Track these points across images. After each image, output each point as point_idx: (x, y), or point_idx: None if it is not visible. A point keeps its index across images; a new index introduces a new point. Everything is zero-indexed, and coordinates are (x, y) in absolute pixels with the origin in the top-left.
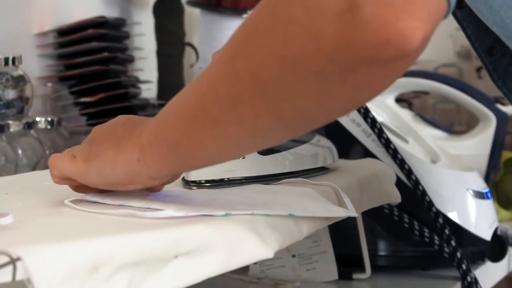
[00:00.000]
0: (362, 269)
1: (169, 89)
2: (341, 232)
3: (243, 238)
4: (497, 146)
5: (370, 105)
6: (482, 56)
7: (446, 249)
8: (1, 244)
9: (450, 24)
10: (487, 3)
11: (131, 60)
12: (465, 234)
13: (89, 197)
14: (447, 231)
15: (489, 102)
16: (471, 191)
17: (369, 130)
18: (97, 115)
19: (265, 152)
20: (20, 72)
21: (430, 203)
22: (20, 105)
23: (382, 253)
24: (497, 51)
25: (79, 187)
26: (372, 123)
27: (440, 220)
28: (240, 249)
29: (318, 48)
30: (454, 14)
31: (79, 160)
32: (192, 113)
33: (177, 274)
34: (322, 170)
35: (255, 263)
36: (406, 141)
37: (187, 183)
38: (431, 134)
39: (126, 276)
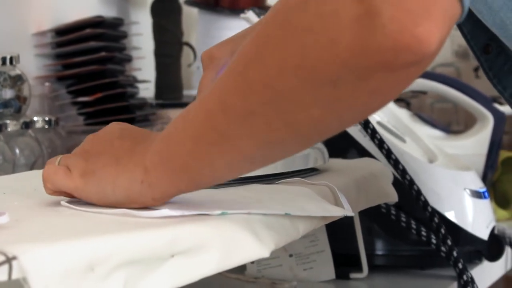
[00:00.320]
0: (359, 268)
1: (167, 89)
2: (338, 232)
3: (239, 237)
4: (495, 145)
5: None
6: (477, 54)
7: (443, 248)
8: None
9: None
10: (486, 4)
11: (129, 59)
12: (462, 234)
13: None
14: (443, 230)
15: (487, 102)
16: (468, 191)
17: None
18: (95, 115)
19: None
20: (17, 71)
21: (426, 203)
22: (17, 105)
23: (379, 252)
24: (493, 49)
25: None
26: (365, 123)
27: (436, 219)
28: (236, 249)
29: (334, 56)
30: None
31: (75, 175)
32: (199, 130)
33: (173, 273)
34: (312, 171)
35: (252, 263)
36: (403, 140)
37: None
38: (429, 134)
39: (123, 275)
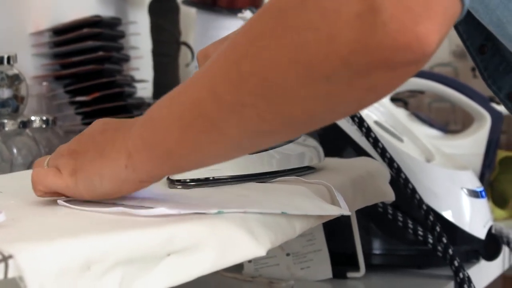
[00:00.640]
0: (356, 267)
1: (164, 88)
2: (335, 231)
3: (236, 236)
4: (492, 145)
5: None
6: (473, 54)
7: (439, 247)
8: None
9: None
10: (483, 3)
11: (126, 59)
12: (459, 233)
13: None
14: (438, 228)
15: (484, 101)
16: (465, 190)
17: None
18: (93, 114)
19: None
20: (15, 71)
21: (421, 201)
22: (15, 104)
23: (376, 251)
24: (488, 49)
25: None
26: (360, 122)
27: (431, 217)
28: (233, 247)
29: (332, 52)
30: None
31: (65, 174)
32: (187, 118)
33: (170, 272)
34: (308, 170)
35: (250, 262)
36: (401, 140)
37: (172, 182)
38: (426, 133)
39: (119, 274)
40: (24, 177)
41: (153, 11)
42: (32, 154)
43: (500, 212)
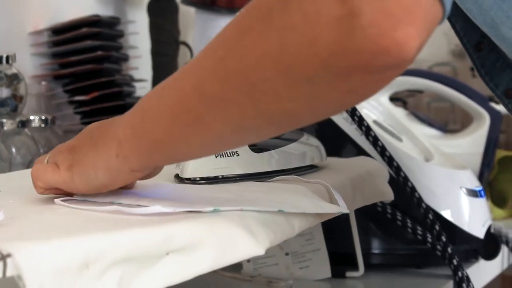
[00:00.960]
0: (355, 267)
1: None
2: (334, 230)
3: (235, 235)
4: (491, 144)
5: (363, 103)
6: (470, 52)
7: (439, 247)
8: None
9: (445, 23)
10: (477, 3)
11: (125, 58)
12: (458, 232)
13: (79, 197)
14: (437, 227)
15: (483, 101)
16: (464, 189)
17: None
18: (91, 114)
19: (258, 150)
20: (14, 70)
21: (420, 199)
22: (14, 104)
23: (375, 251)
24: (485, 46)
25: (68, 195)
26: (359, 121)
27: (430, 216)
28: (232, 246)
29: (313, 54)
30: None
31: (63, 169)
32: (174, 111)
33: (168, 271)
34: (310, 169)
35: (248, 261)
36: (400, 139)
37: (182, 181)
38: (425, 133)
39: (117, 273)
40: (23, 176)
41: (152, 10)
42: (31, 153)
43: (499, 212)
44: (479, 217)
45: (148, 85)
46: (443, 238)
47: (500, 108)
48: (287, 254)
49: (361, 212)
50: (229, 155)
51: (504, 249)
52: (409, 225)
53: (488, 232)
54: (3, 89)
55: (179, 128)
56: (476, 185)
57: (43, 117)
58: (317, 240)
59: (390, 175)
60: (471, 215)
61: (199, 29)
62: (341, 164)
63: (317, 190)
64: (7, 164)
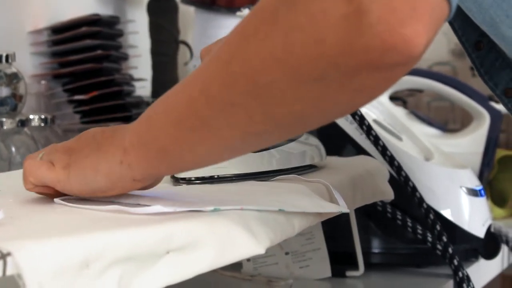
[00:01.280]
0: (355, 266)
1: (163, 87)
2: (334, 230)
3: (235, 234)
4: (491, 144)
5: None
6: (469, 51)
7: (439, 246)
8: None
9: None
10: (476, 2)
11: (125, 58)
12: (458, 232)
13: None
14: (438, 227)
15: (483, 100)
16: (464, 189)
17: None
18: (91, 113)
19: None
20: (13, 69)
21: (421, 199)
22: (13, 103)
23: (375, 250)
24: (484, 45)
25: (55, 195)
26: (360, 120)
27: (431, 216)
28: (232, 246)
29: (320, 54)
30: None
31: (58, 168)
32: (181, 116)
33: (168, 270)
34: (310, 168)
35: (248, 260)
36: (400, 138)
37: (177, 180)
38: (425, 132)
39: (117, 272)
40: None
41: (152, 10)
42: (30, 152)
43: (499, 211)
44: (479, 217)
45: (147, 84)
46: (444, 238)
47: (500, 107)
48: (287, 253)
49: (361, 212)
50: None
51: (504, 249)
52: (409, 224)
53: (488, 232)
54: (3, 88)
55: (185, 135)
56: (476, 184)
57: (42, 116)
58: (317, 240)
59: (391, 174)
60: (471, 214)
61: (199, 29)
62: (341, 163)
63: (317, 189)
64: (7, 163)
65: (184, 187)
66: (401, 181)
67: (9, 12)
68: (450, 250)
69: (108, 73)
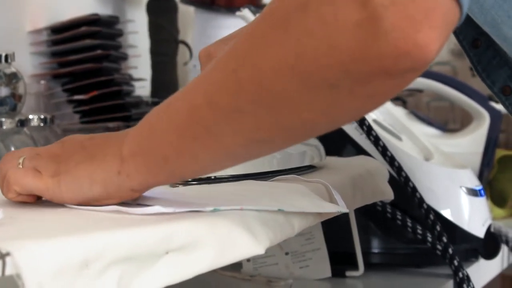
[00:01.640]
0: (355, 266)
1: (162, 87)
2: (334, 230)
3: (234, 234)
4: (491, 144)
5: None
6: (466, 49)
7: (439, 246)
8: None
9: None
10: (478, 3)
11: (124, 58)
12: (458, 231)
13: None
14: (438, 227)
15: (483, 100)
16: (464, 189)
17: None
18: (91, 113)
19: None
20: (13, 69)
21: (421, 200)
22: (13, 103)
23: (375, 250)
24: (482, 43)
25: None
26: (361, 120)
27: (431, 217)
28: (232, 246)
29: (333, 60)
30: None
31: (46, 176)
32: (183, 123)
33: (168, 270)
34: (309, 169)
35: (248, 261)
36: (399, 138)
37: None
38: (425, 132)
39: (117, 272)
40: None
41: (151, 9)
42: None
43: (499, 211)
44: (479, 217)
45: (147, 84)
46: (444, 239)
47: (500, 107)
48: (287, 253)
49: (361, 212)
50: None
51: (503, 249)
52: (409, 224)
53: (488, 232)
54: (2, 88)
55: (187, 142)
56: (476, 184)
57: (42, 116)
58: (317, 240)
59: (391, 174)
60: (471, 214)
61: (199, 28)
62: (341, 163)
63: (316, 190)
64: None
65: (182, 188)
66: (401, 181)
67: (9, 11)
68: (450, 250)
69: (108, 73)
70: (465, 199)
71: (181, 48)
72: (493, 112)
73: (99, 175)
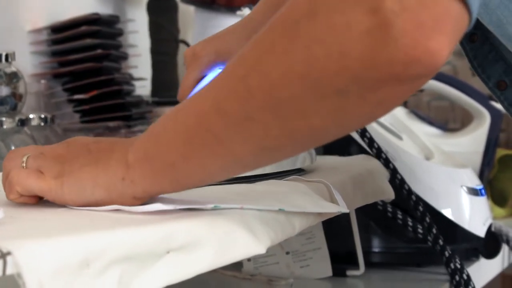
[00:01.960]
0: (356, 266)
1: (163, 87)
2: (335, 229)
3: (235, 234)
4: (491, 143)
5: None
6: (462, 43)
7: (438, 247)
8: None
9: None
10: (483, 3)
11: (125, 57)
12: (459, 231)
13: None
14: (434, 230)
15: (484, 99)
16: (465, 188)
17: None
18: (91, 112)
19: None
20: (13, 69)
21: (417, 202)
22: (13, 102)
23: (376, 249)
24: (478, 37)
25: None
26: None
27: (427, 219)
28: (232, 245)
29: (343, 67)
30: None
31: (49, 177)
32: (190, 131)
33: (168, 269)
34: (299, 172)
35: (249, 260)
36: (400, 138)
37: None
38: (426, 131)
39: (117, 272)
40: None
41: (152, 9)
42: None
43: (500, 211)
44: (480, 216)
45: (147, 83)
46: (441, 242)
47: (501, 107)
48: (287, 253)
49: (361, 211)
50: None
51: (504, 248)
52: (410, 223)
53: (488, 231)
54: (3, 88)
55: (195, 150)
56: (476, 183)
57: (42, 116)
58: (318, 239)
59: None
60: (472, 213)
61: (199, 28)
62: (341, 162)
63: (317, 189)
64: None
65: None
66: (396, 183)
67: (9, 11)
68: (446, 253)
69: (108, 72)
70: (465, 199)
71: (182, 48)
72: (493, 112)
73: (103, 179)
